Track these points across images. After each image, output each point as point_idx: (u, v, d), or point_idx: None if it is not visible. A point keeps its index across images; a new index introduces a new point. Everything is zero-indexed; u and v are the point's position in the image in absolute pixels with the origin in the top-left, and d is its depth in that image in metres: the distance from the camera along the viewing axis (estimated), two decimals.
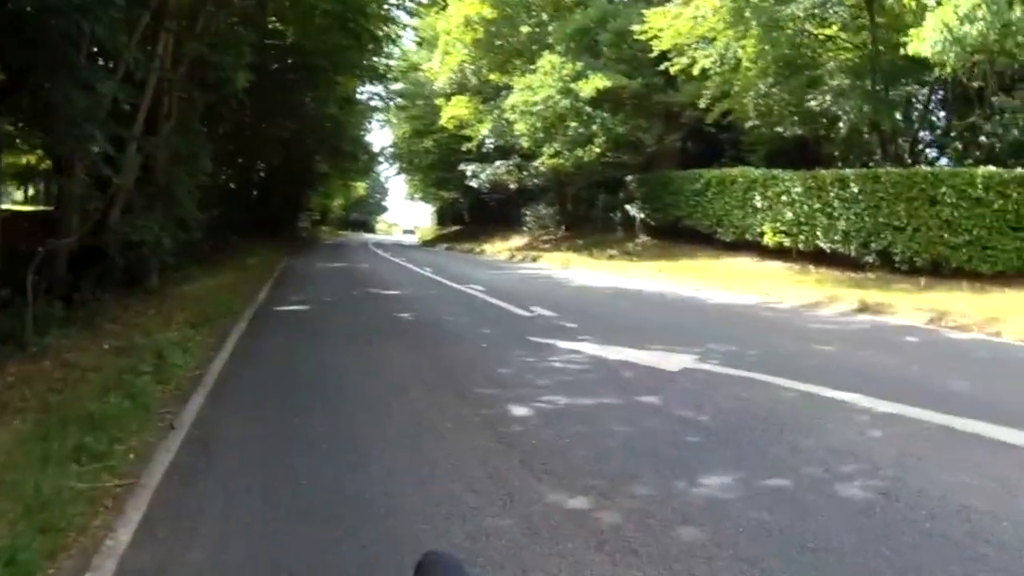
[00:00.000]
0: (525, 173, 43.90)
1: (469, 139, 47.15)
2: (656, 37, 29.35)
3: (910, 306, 13.94)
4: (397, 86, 49.91)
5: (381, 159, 70.55)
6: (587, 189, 44.35)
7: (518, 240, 48.39)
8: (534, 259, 33.77)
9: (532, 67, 40.87)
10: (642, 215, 35.98)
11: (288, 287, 20.04)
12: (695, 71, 28.08)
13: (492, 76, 46.12)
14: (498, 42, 45.11)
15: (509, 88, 44.09)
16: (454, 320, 13.27)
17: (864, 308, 14.57)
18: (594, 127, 34.24)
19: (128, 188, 13.28)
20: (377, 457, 5.68)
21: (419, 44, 49.68)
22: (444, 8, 39.33)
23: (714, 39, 27.54)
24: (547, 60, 35.38)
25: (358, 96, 35.20)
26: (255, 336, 11.65)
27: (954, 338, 11.51)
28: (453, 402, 7.31)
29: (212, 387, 8.14)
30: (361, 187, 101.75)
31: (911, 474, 5.18)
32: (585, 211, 45.39)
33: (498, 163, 44.54)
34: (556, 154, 37.26)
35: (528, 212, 51.79)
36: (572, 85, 34.14)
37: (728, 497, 4.77)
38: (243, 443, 6.11)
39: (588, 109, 34.23)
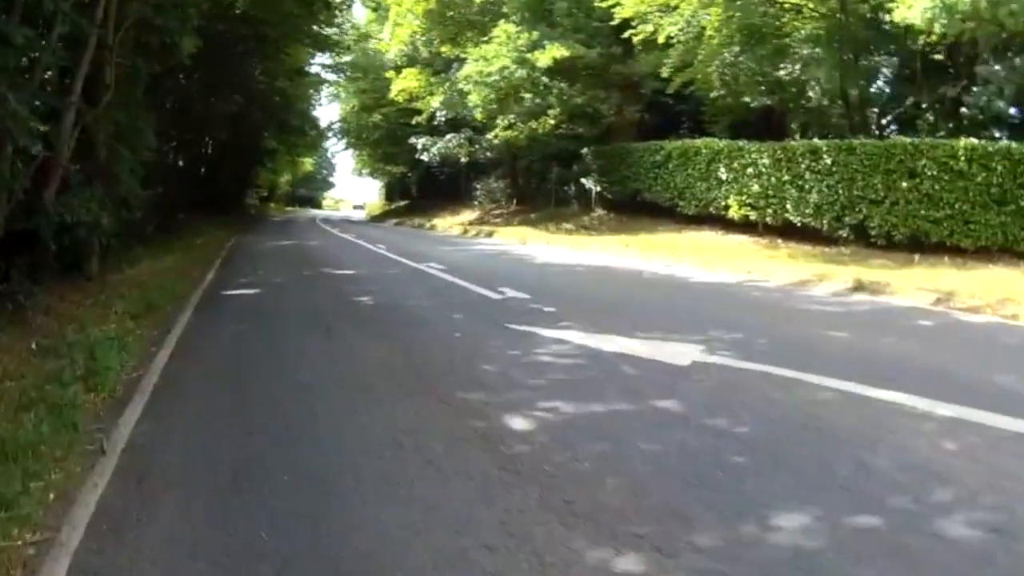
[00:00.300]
0: (477, 147, 42.78)
1: (419, 112, 46.09)
2: (618, 4, 28.28)
3: (910, 285, 13.22)
4: (347, 58, 47.52)
5: (329, 134, 68.77)
6: (540, 162, 43.45)
7: (469, 215, 47.50)
8: (488, 234, 32.74)
9: (485, 39, 39.88)
10: (598, 188, 35.37)
11: (237, 268, 18.91)
12: (660, 39, 27.06)
13: (443, 49, 44.90)
14: (450, 13, 43.80)
15: (461, 61, 43.18)
16: (417, 304, 12.33)
17: (859, 287, 13.80)
18: (550, 98, 33.16)
19: (64, 164, 11.89)
20: (352, 495, 4.50)
21: (374, 10, 47.67)
22: None
23: (676, 7, 26.62)
24: (502, 29, 34.21)
25: (308, 68, 33.36)
26: (201, 326, 10.60)
27: (970, 322, 10.78)
28: (436, 411, 6.27)
29: (151, 394, 7.10)
30: (308, 163, 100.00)
31: (1018, 503, 4.23)
32: (537, 185, 44.51)
33: (449, 136, 43.44)
34: (510, 126, 36.38)
35: (479, 186, 50.68)
36: (528, 55, 32.97)
37: (815, 546, 3.76)
38: (186, 476, 4.88)
39: (544, 80, 33.24)
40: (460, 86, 35.91)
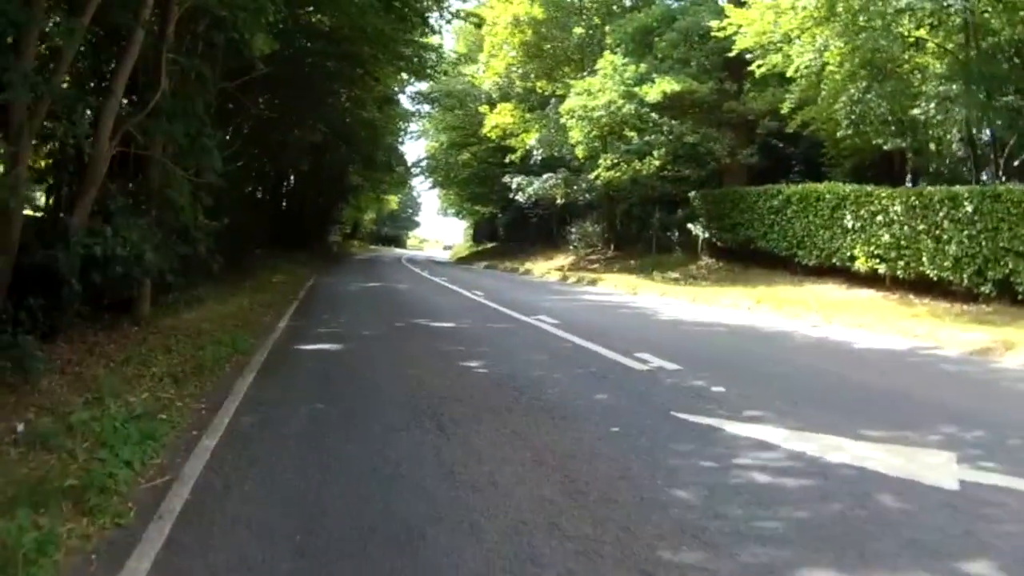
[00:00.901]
0: (575, 187, 40.04)
1: (513, 150, 43.94)
2: (736, 33, 25.62)
3: None
4: (439, 87, 45.16)
5: (416, 171, 66.73)
6: (640, 206, 40.55)
7: (562, 259, 44.91)
8: (592, 282, 29.88)
9: (584, 73, 37.54)
10: (706, 235, 32.22)
11: (316, 314, 16.42)
12: (790, 71, 24.24)
13: (539, 84, 42.74)
14: (547, 46, 41.66)
15: (556, 97, 40.90)
16: (546, 377, 9.41)
17: None
18: (660, 136, 30.34)
19: (98, 182, 9.42)
20: None
21: (477, 26, 45.60)
22: None
23: (800, 35, 23.91)
24: (608, 60, 31.63)
25: (398, 97, 31.17)
26: (263, 402, 7.85)
27: None
28: None
29: (174, 523, 4.50)
30: (394, 201, 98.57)
31: None
32: (638, 230, 41.51)
33: (546, 176, 40.78)
34: (613, 166, 33.57)
35: (573, 230, 48.03)
36: (635, 89, 30.39)
37: None
38: None
39: (654, 116, 30.39)
40: (562, 120, 33.32)
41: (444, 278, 30.72)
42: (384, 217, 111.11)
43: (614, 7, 41.17)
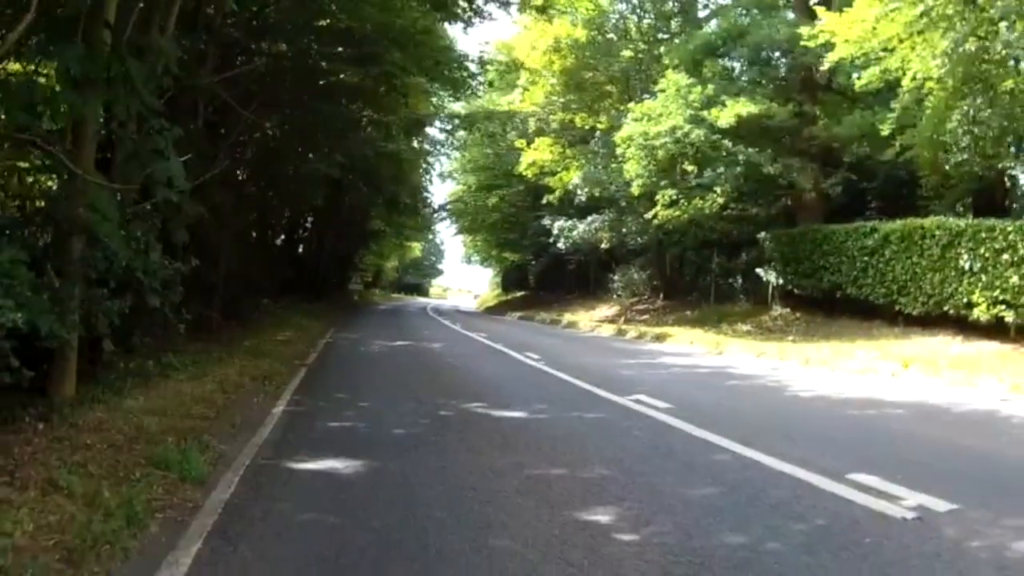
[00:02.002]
0: (624, 230, 35.65)
1: (550, 190, 39.79)
2: (826, 44, 21.66)
3: None
4: (477, 109, 40.74)
5: (442, 215, 62.48)
6: (695, 249, 36.15)
7: (605, 309, 40.61)
8: (658, 338, 25.36)
9: (629, 104, 33.43)
10: (780, 281, 27.87)
11: (326, 393, 11.89)
12: (906, 82, 20.10)
13: (579, 118, 38.47)
14: (588, 74, 37.53)
15: (600, 131, 36.91)
16: (754, 551, 4.86)
17: None
18: (737, 167, 25.98)
19: None
20: None
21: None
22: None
23: (907, 40, 20.02)
24: (670, 80, 27.36)
25: (428, 123, 26.53)
26: None
27: None
28: None
29: None
30: (417, 248, 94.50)
31: None
32: (692, 276, 37.09)
33: (591, 218, 36.39)
34: (672, 203, 29.17)
35: (616, 277, 43.65)
36: (703, 113, 26.14)
37: None
38: None
39: (726, 143, 26.04)
40: (619, 150, 29.01)
41: (482, 333, 26.19)
42: (407, 265, 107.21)
43: (660, 32, 37.22)
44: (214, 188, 15.71)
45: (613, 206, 36.75)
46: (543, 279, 59.07)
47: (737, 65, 29.33)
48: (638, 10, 37.27)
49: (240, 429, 8.62)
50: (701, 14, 37.21)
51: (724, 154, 26.24)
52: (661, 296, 38.39)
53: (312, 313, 30.00)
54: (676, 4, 37.03)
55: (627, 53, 35.77)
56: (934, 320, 20.44)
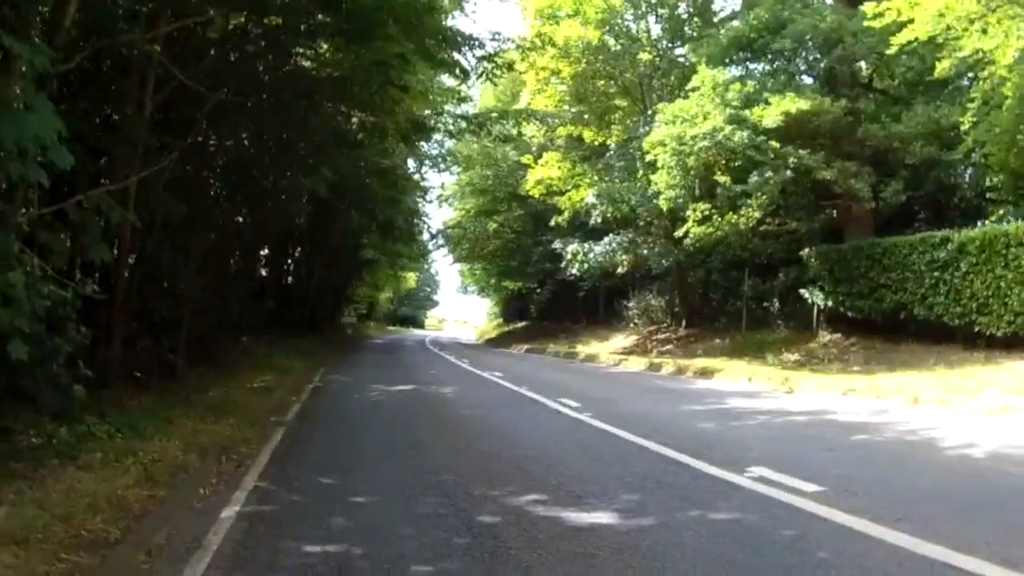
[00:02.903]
0: (646, 251, 32.13)
1: (557, 211, 36.27)
2: (892, 25, 18.61)
3: None
4: (486, 111, 37.12)
5: (439, 242, 58.91)
6: (722, 271, 32.68)
7: (621, 339, 37.22)
8: (704, 373, 21.69)
9: (646, 114, 30.27)
10: (828, 303, 24.77)
11: (308, 474, 8.25)
12: (1002, 58, 17.00)
13: (587, 133, 35.08)
14: (600, 82, 34.17)
15: (610, 147, 34.07)
16: None
17: None
18: (787, 171, 22.53)
19: None
20: None
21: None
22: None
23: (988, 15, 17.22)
24: (705, 76, 23.94)
25: (430, 124, 22.94)
26: None
27: None
28: None
29: None
30: (412, 278, 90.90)
31: None
32: (720, 300, 33.59)
33: (609, 238, 32.84)
34: (706, 218, 25.74)
35: (631, 304, 40.19)
36: (744, 112, 22.81)
37: None
38: None
39: (773, 144, 22.63)
40: (649, 156, 25.56)
41: (496, 372, 22.23)
42: (401, 296, 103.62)
43: (674, 40, 33.95)
44: (170, 197, 12.25)
45: (630, 226, 33.31)
46: (548, 308, 55.58)
47: (776, 61, 25.85)
48: (649, 15, 33.86)
49: (155, 566, 5.03)
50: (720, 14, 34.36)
51: (771, 157, 22.74)
52: (683, 324, 34.90)
53: (300, 350, 26.42)
54: (690, 7, 33.85)
55: (644, 56, 32.30)
56: (1018, 341, 17.62)
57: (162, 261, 13.23)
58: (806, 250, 25.87)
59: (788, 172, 22.59)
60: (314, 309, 40.12)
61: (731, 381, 19.69)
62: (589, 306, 49.05)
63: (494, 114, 24.46)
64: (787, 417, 12.41)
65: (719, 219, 25.80)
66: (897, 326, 21.77)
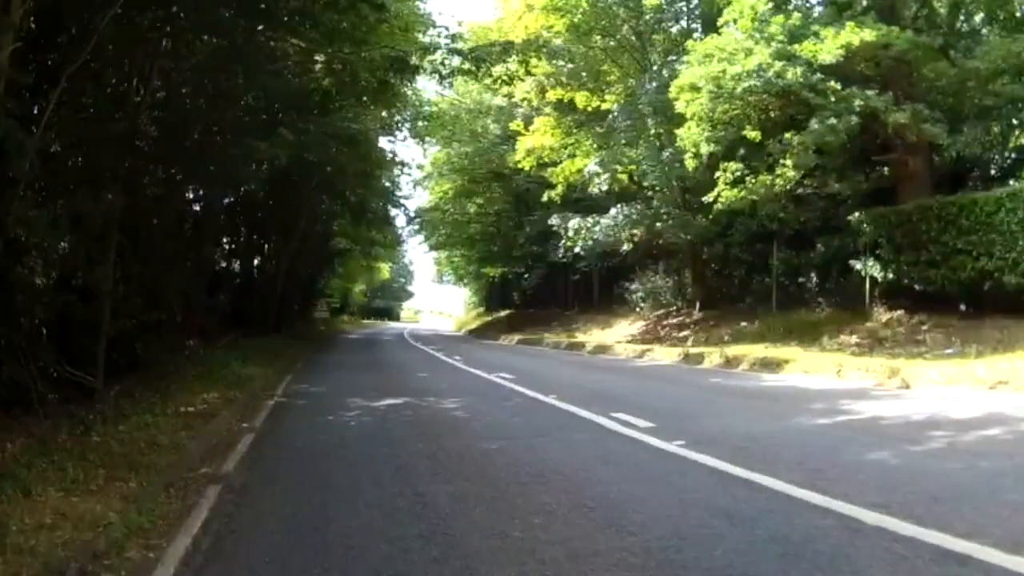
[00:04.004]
0: (659, 224, 28.03)
1: (550, 185, 32.28)
2: None
3: None
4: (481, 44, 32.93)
5: (416, 225, 54.46)
6: (744, 245, 28.65)
7: (626, 325, 33.19)
8: (767, 364, 17.55)
9: (649, 73, 26.41)
10: (888, 275, 21.04)
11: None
12: None
13: (579, 97, 30.95)
14: (596, 37, 30.09)
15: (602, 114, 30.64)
16: None
17: None
18: (852, 117, 18.53)
19: None
20: None
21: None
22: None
23: None
24: (743, 5, 19.86)
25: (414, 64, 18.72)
26: None
27: None
28: None
29: None
30: (385, 269, 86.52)
31: None
32: (744, 277, 29.57)
33: (615, 211, 28.72)
34: (739, 180, 21.83)
35: (634, 286, 36.13)
36: (792, 48, 18.86)
37: None
38: None
39: (833, 84, 18.69)
40: (678, 101, 21.49)
41: (503, 373, 17.48)
42: (375, 288, 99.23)
43: None
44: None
45: (636, 197, 29.37)
46: (534, 295, 51.46)
47: None
48: None
49: None
50: None
51: (831, 100, 18.74)
52: (697, 306, 30.89)
53: (265, 352, 22.16)
54: None
55: (652, 1, 28.17)
56: None
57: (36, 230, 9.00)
58: (856, 214, 22.19)
59: (853, 118, 18.56)
60: (283, 304, 35.76)
61: (811, 375, 15.66)
62: (581, 291, 45.11)
63: (496, 47, 19.73)
64: (990, 440, 8.26)
65: (753, 181, 21.85)
66: (978, 297, 18.42)
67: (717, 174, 22.46)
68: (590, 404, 11.42)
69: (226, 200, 23.95)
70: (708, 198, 22.76)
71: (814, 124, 18.45)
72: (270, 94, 16.40)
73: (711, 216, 24.97)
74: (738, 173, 22.28)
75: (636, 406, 11.05)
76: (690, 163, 22.40)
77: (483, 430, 9.92)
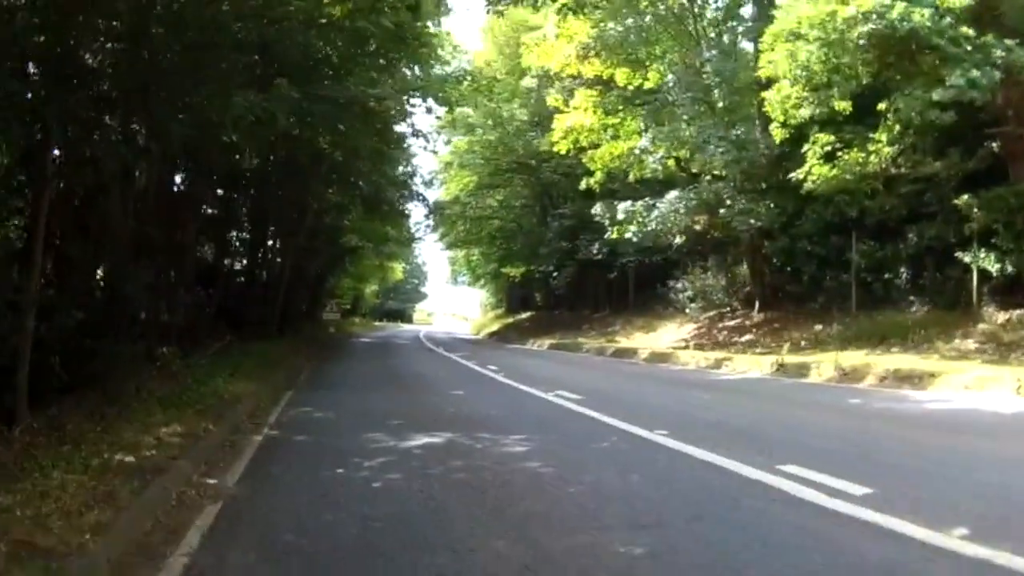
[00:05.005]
0: (723, 210, 24.24)
1: (588, 172, 28.70)
2: None
3: None
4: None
5: (434, 220, 50.33)
6: (816, 236, 24.81)
7: (674, 328, 29.66)
8: (906, 380, 13.56)
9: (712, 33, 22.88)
10: (1007, 267, 17.94)
11: None
12: None
13: (620, 74, 27.24)
14: (643, 3, 26.43)
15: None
16: None
17: None
18: (994, 70, 14.82)
19: None
20: None
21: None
22: None
23: None
24: None
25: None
26: None
27: None
28: None
29: None
30: (399, 270, 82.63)
31: None
32: (815, 273, 25.61)
33: (674, 194, 24.90)
34: (830, 155, 18.25)
35: (680, 284, 32.43)
36: None
37: None
38: None
39: (966, 31, 14.91)
40: (774, 50, 17.80)
41: (564, 391, 13.20)
42: (387, 289, 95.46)
43: None
44: None
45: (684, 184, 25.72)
46: (561, 295, 47.53)
47: None
48: None
49: None
50: None
51: (965, 49, 14.93)
52: (756, 307, 27.11)
53: (263, 360, 18.41)
54: None
55: None
56: None
57: None
58: (964, 197, 18.55)
59: (996, 73, 14.75)
60: (288, 304, 31.97)
61: (978, 392, 11.83)
62: (614, 291, 41.33)
63: None
64: None
65: (845, 157, 18.21)
66: None
67: (806, 147, 18.76)
68: (733, 447, 7.63)
69: (216, 180, 20.22)
70: (798, 174, 19.00)
71: (956, 77, 14.55)
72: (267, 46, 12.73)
73: (774, 204, 21.39)
74: (828, 148, 18.61)
75: (798, 450, 7.41)
76: (778, 133, 18.78)
77: (593, 504, 6.04)
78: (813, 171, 18.64)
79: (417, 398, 13.74)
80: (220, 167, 18.95)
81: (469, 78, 26.56)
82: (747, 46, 27.06)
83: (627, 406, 11.36)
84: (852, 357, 15.95)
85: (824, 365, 15.63)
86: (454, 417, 10.79)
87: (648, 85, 27.52)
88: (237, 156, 19.87)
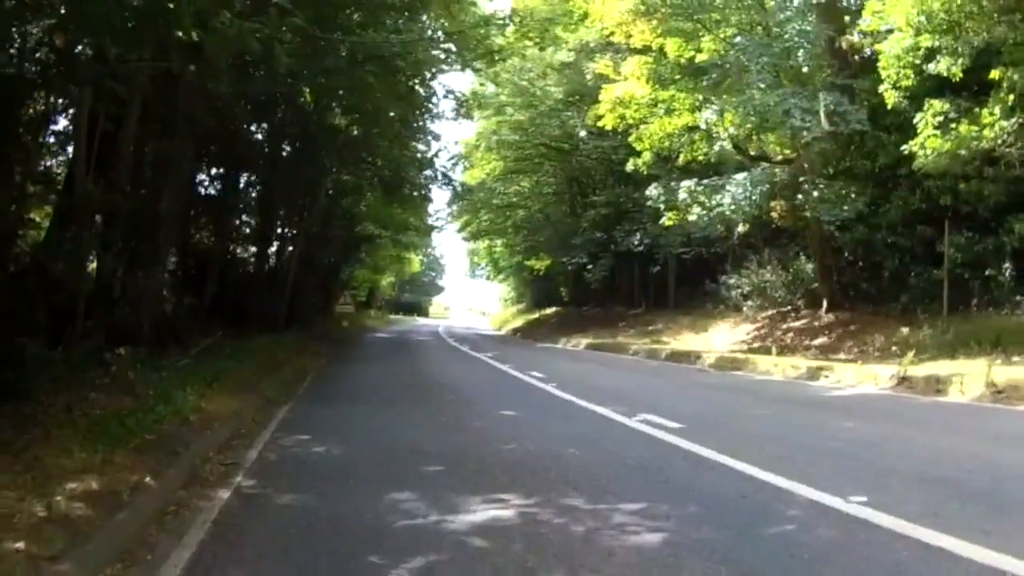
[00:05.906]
0: (802, 195, 20.99)
1: (634, 153, 25.40)
2: None
3: None
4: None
5: (456, 207, 47.02)
6: (899, 227, 21.50)
7: (727, 328, 26.78)
8: None
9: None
10: None
11: None
12: None
13: (672, 44, 23.96)
14: None
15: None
16: None
17: None
18: None
19: None
20: None
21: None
22: None
23: None
24: None
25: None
26: None
27: None
28: None
29: None
30: (416, 261, 79.68)
31: None
32: (898, 269, 22.21)
33: (745, 175, 21.49)
34: (944, 124, 15.00)
35: (733, 280, 29.14)
36: None
37: None
38: None
39: None
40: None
41: (656, 416, 9.42)
42: (404, 281, 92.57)
43: None
44: None
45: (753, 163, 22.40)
46: (593, 290, 44.10)
47: None
48: None
49: None
50: None
51: None
52: (823, 306, 23.77)
53: (260, 361, 15.28)
54: None
55: None
56: None
57: None
58: None
59: None
60: (296, 295, 28.80)
61: None
62: (654, 287, 37.99)
63: None
64: None
65: (960, 129, 14.99)
66: None
67: (918, 116, 15.48)
68: (997, 529, 4.30)
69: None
70: (911, 146, 15.64)
71: None
72: None
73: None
74: (942, 115, 15.39)
75: None
76: (890, 96, 15.32)
77: None
78: (927, 143, 15.35)
79: (455, 423, 10.23)
80: (210, 130, 15.69)
81: (517, 19, 23.06)
82: None
83: (758, 443, 8.05)
84: (998, 371, 12.47)
85: (967, 379, 12.18)
86: (518, 462, 7.39)
87: (701, 58, 24.18)
88: (235, 128, 16.64)
